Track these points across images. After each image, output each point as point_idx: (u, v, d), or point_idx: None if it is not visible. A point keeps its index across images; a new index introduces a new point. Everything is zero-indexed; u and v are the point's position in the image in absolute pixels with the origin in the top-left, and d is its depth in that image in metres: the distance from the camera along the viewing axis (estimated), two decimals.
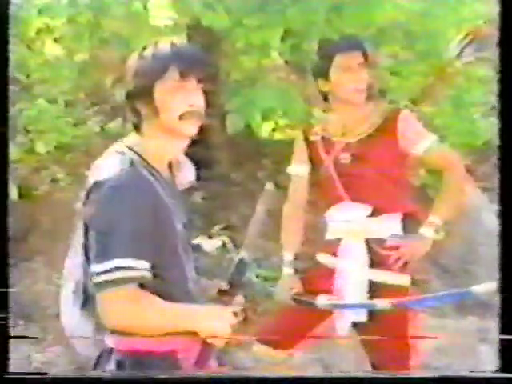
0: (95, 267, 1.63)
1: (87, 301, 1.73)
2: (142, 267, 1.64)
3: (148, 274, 1.65)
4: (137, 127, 1.75)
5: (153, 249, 1.66)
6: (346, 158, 2.65)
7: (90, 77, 4.23)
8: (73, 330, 1.76)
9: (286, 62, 4.29)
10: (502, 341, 1.90)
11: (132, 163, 1.69)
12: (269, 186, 1.97)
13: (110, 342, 1.73)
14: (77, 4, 3.94)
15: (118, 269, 1.61)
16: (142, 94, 1.70)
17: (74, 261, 1.77)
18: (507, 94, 1.91)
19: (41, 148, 3.87)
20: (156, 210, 1.68)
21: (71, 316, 1.76)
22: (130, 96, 1.72)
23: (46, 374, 1.78)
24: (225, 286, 1.87)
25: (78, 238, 1.75)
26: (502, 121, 1.90)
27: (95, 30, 3.98)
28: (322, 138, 2.72)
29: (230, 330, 1.75)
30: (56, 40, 4.29)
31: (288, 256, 2.73)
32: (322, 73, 2.65)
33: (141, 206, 1.64)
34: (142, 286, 1.65)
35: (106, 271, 1.61)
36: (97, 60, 4.22)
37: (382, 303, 2.43)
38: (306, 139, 2.75)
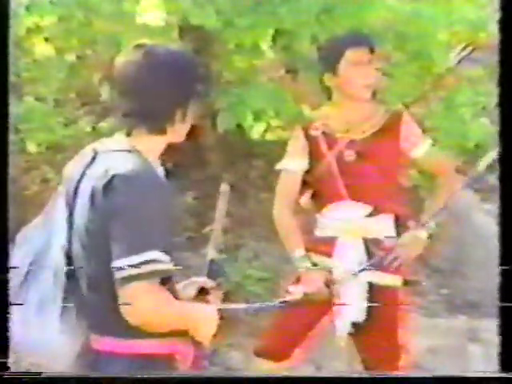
0: (125, 260, 1.60)
1: (72, 292, 1.70)
2: (168, 260, 1.65)
3: (172, 268, 1.67)
4: (163, 130, 1.76)
5: (169, 243, 1.69)
6: (350, 154, 2.64)
7: (80, 76, 4.21)
8: (46, 335, 1.68)
9: (278, 62, 4.29)
10: (501, 341, 1.91)
11: (142, 160, 1.71)
12: (224, 187, 2.02)
13: (104, 344, 1.71)
14: (67, 3, 3.93)
15: (151, 261, 1.61)
16: (181, 101, 1.76)
17: (40, 250, 1.73)
18: (506, 94, 1.91)
19: (31, 147, 3.84)
20: (167, 205, 1.71)
21: (42, 317, 1.69)
22: (169, 102, 1.75)
23: (45, 373, 1.75)
24: (209, 282, 1.89)
25: (57, 224, 1.73)
26: (501, 122, 1.91)
27: (85, 29, 3.97)
28: (324, 133, 2.70)
29: (215, 329, 1.76)
30: (46, 39, 4.27)
31: (299, 252, 2.65)
32: (330, 67, 2.64)
33: (162, 200, 1.67)
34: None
35: (143, 263, 1.60)
36: (87, 59, 4.20)
37: None
38: (306, 134, 2.72)
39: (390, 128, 2.66)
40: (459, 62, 4.12)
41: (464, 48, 4.19)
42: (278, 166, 2.77)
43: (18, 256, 1.78)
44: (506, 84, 1.89)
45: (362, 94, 2.63)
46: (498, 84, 1.90)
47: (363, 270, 2.55)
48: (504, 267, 1.91)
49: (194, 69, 1.80)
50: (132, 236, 1.62)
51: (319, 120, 2.73)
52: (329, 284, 2.58)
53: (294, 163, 2.73)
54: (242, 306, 2.21)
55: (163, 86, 1.73)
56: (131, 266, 1.60)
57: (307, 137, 2.71)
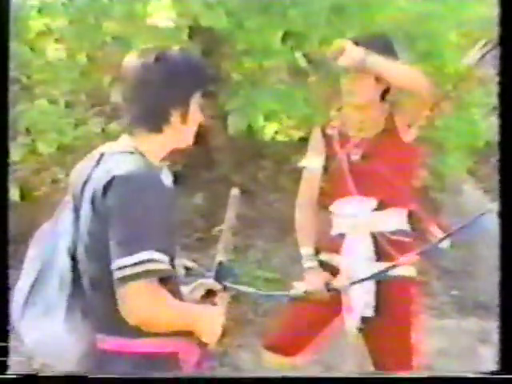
0: (122, 260, 1.62)
1: (77, 294, 1.71)
2: (166, 260, 1.66)
3: (170, 268, 1.68)
4: (158, 129, 1.78)
5: (169, 244, 1.70)
6: (356, 153, 2.68)
7: (90, 78, 4.23)
8: (52, 335, 1.70)
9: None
10: (502, 341, 1.90)
11: (144, 162, 1.73)
12: (234, 191, 2.03)
13: (109, 344, 1.72)
14: (78, 5, 3.95)
15: (147, 261, 1.62)
16: (180, 102, 1.78)
17: (47, 253, 1.75)
18: (507, 94, 1.91)
19: (43, 149, 3.87)
20: (168, 207, 1.72)
21: (48, 318, 1.70)
22: (164, 102, 1.77)
23: (45, 374, 1.76)
24: (216, 284, 1.89)
25: (64, 227, 1.75)
26: (502, 121, 1.91)
27: (96, 31, 3.99)
28: (340, 132, 2.74)
29: (220, 330, 1.77)
30: (57, 41, 4.29)
31: (308, 250, 2.71)
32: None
33: (161, 201, 1.68)
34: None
35: (138, 263, 1.62)
36: (97, 61, 4.22)
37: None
38: (323, 133, 2.78)
39: (390, 125, 2.69)
40: (482, 57, 4.07)
41: (484, 45, 4.15)
42: (300, 164, 2.84)
43: (30, 258, 1.80)
44: (506, 83, 1.89)
45: (345, 98, 2.71)
46: (499, 83, 1.89)
47: (366, 279, 2.57)
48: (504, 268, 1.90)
49: (192, 69, 1.81)
50: (129, 236, 1.64)
51: (339, 120, 2.77)
52: (329, 287, 2.62)
53: (312, 161, 2.79)
54: (250, 290, 2.20)
55: (158, 85, 1.75)
56: (127, 265, 1.62)
57: (324, 135, 2.77)
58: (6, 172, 2.06)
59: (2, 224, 2.08)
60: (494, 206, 2.34)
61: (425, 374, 2.46)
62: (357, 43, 2.65)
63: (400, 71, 2.60)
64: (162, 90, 1.75)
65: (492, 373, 1.94)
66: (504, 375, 1.89)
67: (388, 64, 2.59)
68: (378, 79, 2.64)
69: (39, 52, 4.18)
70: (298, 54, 4.16)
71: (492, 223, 2.22)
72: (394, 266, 2.57)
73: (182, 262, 1.91)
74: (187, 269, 1.92)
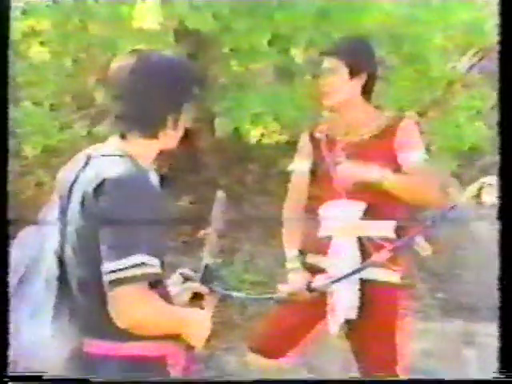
0: (114, 263, 1.62)
1: (64, 297, 1.71)
2: (157, 264, 1.67)
3: (161, 272, 1.68)
4: (154, 134, 1.78)
5: (160, 248, 1.71)
6: (341, 156, 2.69)
7: (76, 80, 4.22)
8: (38, 339, 1.70)
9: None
10: (500, 343, 1.90)
11: (133, 165, 1.72)
12: (220, 194, 2.03)
13: (96, 347, 1.71)
14: (63, 7, 3.93)
15: (139, 265, 1.62)
16: (175, 108, 1.79)
17: (34, 254, 1.75)
18: (506, 94, 1.91)
19: (28, 151, 3.84)
20: (159, 210, 1.72)
21: (34, 321, 1.70)
22: (162, 108, 1.77)
23: (43, 375, 1.74)
24: (203, 287, 1.89)
25: (50, 228, 1.75)
26: (501, 123, 1.91)
27: (81, 33, 3.97)
28: (327, 136, 2.76)
29: (208, 333, 1.78)
30: (42, 43, 4.27)
31: (293, 252, 2.72)
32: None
33: (152, 205, 1.68)
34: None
35: (130, 266, 1.62)
36: (83, 63, 4.21)
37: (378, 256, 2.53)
38: (311, 137, 2.79)
39: (386, 132, 2.69)
40: (470, 68, 4.10)
41: (475, 54, 4.19)
42: (289, 168, 2.86)
43: (14, 260, 1.79)
44: (505, 87, 1.89)
45: (323, 100, 2.70)
46: (499, 86, 1.90)
47: (344, 277, 2.57)
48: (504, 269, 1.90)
49: (187, 76, 1.82)
50: (120, 240, 1.64)
51: (329, 122, 2.78)
52: (309, 287, 2.63)
53: (300, 165, 2.80)
54: (234, 293, 2.22)
55: (157, 91, 1.76)
56: (119, 269, 1.62)
57: (312, 139, 2.79)
58: (5, 172, 2.04)
59: (1, 225, 2.05)
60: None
61: (415, 378, 2.47)
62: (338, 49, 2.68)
63: (414, 191, 2.62)
64: (158, 95, 1.75)
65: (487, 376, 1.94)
66: (504, 378, 1.89)
67: (404, 182, 2.61)
68: (351, 73, 2.65)
69: (24, 54, 4.15)
70: (295, 51, 4.17)
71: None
72: (369, 264, 2.58)
73: (183, 271, 1.91)
74: (186, 279, 1.91)
